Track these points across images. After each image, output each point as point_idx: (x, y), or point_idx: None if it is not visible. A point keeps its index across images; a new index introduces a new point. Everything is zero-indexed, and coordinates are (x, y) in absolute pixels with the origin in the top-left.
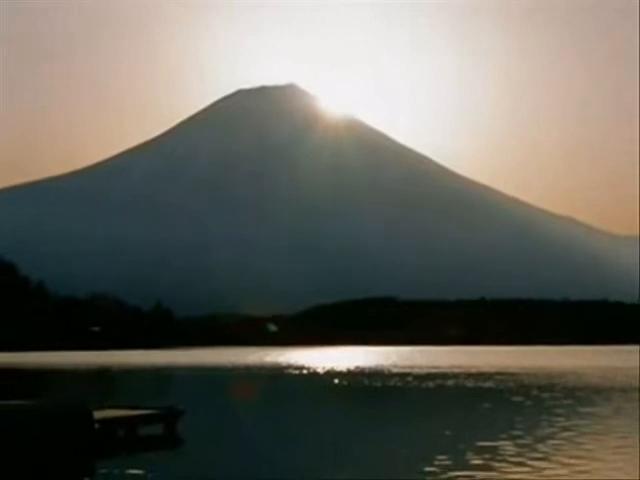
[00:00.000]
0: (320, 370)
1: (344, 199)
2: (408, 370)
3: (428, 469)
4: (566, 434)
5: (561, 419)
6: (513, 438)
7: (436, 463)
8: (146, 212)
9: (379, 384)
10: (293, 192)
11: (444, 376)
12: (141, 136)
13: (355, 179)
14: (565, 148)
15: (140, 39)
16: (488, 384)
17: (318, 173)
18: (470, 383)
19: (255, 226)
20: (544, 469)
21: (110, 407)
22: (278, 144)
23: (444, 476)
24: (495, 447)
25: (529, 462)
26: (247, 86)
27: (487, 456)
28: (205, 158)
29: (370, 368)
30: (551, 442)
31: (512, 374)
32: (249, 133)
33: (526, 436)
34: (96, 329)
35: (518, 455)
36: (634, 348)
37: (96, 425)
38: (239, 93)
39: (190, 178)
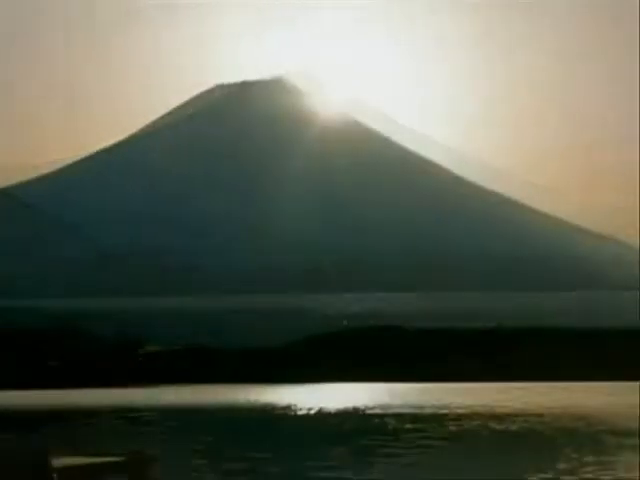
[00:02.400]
0: (312, 410)
1: (338, 214)
2: (418, 410)
3: None
4: None
5: None
6: None
7: None
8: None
9: (389, 427)
10: (278, 207)
11: (461, 418)
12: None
13: (352, 191)
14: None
15: (112, 40)
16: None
17: (308, 182)
18: (496, 426)
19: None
20: None
21: (70, 454)
22: (259, 148)
23: None
24: None
25: None
26: (226, 81)
27: None
28: (170, 166)
29: (373, 407)
30: None
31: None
32: (226, 136)
33: None
34: (54, 364)
35: None
36: None
37: (54, 475)
38: (215, 90)
39: (150, 189)
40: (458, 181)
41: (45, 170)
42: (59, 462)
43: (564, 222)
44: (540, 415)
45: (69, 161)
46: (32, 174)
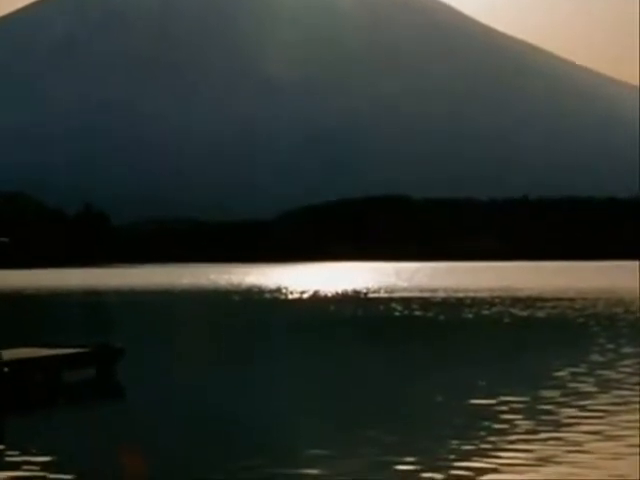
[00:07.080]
0: (307, 294)
1: (337, 63)
2: (429, 294)
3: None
4: None
5: None
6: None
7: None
8: (68, 67)
9: (395, 313)
10: (266, 52)
11: (479, 303)
12: None
13: (353, 34)
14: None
15: None
16: (540, 314)
17: (303, 26)
18: (519, 312)
19: (218, 100)
20: None
21: (24, 345)
22: None
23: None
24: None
25: None
26: None
27: None
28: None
29: (376, 290)
30: None
31: (571, 299)
32: None
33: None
34: (4, 240)
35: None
36: None
37: (4, 369)
38: None
39: (126, 31)
40: (486, 30)
41: None
42: (11, 354)
43: (591, 70)
44: (571, 299)
45: None
46: None
